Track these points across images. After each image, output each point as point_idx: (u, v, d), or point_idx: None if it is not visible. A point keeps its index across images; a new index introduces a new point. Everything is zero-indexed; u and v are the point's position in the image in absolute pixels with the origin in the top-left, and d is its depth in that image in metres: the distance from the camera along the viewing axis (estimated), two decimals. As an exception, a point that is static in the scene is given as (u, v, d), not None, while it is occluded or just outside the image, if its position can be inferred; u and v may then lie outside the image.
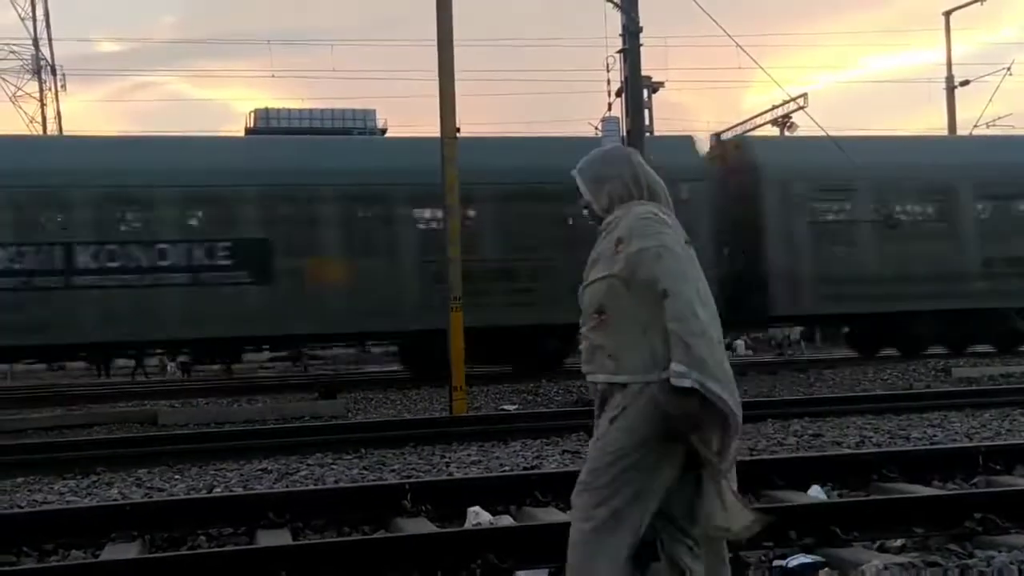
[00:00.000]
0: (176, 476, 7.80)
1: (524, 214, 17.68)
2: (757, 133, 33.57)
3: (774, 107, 33.58)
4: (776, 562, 4.74)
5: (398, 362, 21.64)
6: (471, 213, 17.16)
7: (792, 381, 15.80)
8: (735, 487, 3.26)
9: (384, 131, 28.74)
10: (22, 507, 6.68)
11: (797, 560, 4.68)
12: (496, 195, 17.57)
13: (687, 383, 2.97)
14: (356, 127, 26.24)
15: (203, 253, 16.56)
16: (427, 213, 17.46)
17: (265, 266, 16.66)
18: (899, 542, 5.07)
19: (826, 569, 4.59)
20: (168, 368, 27.65)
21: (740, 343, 27.75)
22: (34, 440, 10.44)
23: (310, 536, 5.57)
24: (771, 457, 7.41)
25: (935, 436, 8.65)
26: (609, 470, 3.10)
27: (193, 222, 16.97)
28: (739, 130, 34.75)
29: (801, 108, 30.92)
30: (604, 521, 3.10)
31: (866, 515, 5.20)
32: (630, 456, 3.07)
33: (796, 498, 5.95)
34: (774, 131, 33.07)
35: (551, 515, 5.64)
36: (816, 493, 6.13)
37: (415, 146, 17.50)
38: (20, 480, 7.87)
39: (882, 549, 4.95)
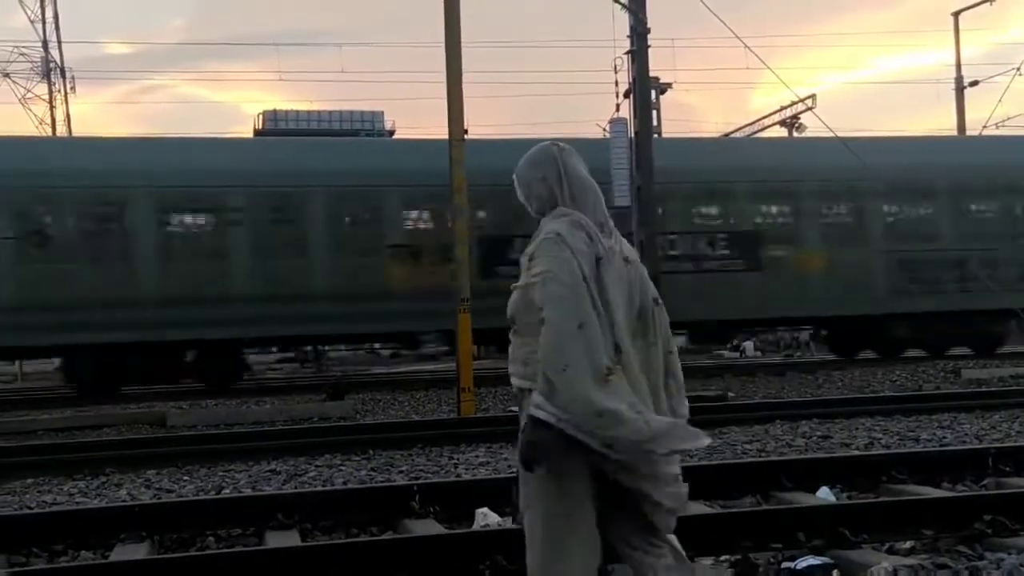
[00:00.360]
0: (185, 477, 7.82)
1: None
2: (766, 134, 33.57)
3: (782, 108, 33.59)
4: (785, 564, 4.73)
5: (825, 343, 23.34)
6: None
7: (800, 382, 15.77)
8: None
9: (392, 132, 28.78)
10: (32, 508, 6.70)
11: (806, 562, 4.67)
12: None
13: (541, 415, 2.92)
14: (364, 129, 26.27)
15: (705, 244, 19.10)
16: (894, 208, 20.24)
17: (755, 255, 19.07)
18: (908, 544, 5.05)
19: (835, 571, 4.58)
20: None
21: (749, 344, 27.65)
22: (44, 441, 10.48)
23: (319, 537, 5.58)
24: (779, 458, 7.39)
25: (944, 438, 8.62)
26: (527, 478, 3.09)
27: (697, 219, 19.29)
28: (747, 131, 34.73)
29: (809, 109, 30.91)
30: (543, 528, 3.09)
31: (875, 517, 5.18)
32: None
33: (805, 500, 5.94)
34: (782, 132, 33.06)
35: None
36: (825, 495, 6.12)
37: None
38: (30, 481, 7.90)
39: (891, 551, 4.93)
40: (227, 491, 7.13)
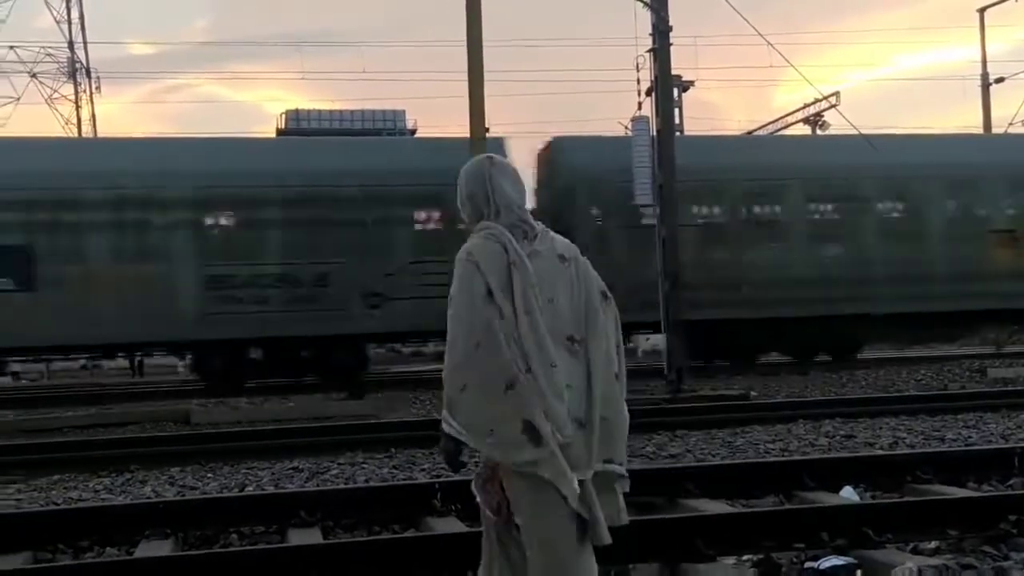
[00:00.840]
0: (208, 475, 7.87)
1: None
2: (789, 132, 33.36)
3: (806, 105, 33.35)
4: (808, 564, 4.71)
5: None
6: None
7: (824, 381, 15.67)
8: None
9: (414, 131, 28.79)
10: (58, 504, 6.77)
11: (829, 562, 4.64)
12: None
13: (446, 428, 3.10)
14: (386, 128, 26.31)
15: None
16: None
17: None
18: (933, 544, 5.02)
19: (859, 571, 4.55)
20: None
21: None
22: (70, 438, 10.55)
23: (340, 535, 5.60)
24: (802, 458, 7.36)
25: (970, 437, 8.55)
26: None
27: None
28: (770, 129, 34.54)
29: (833, 107, 30.68)
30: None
31: (900, 517, 5.15)
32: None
33: (828, 499, 5.90)
34: (806, 129, 32.85)
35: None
36: (848, 494, 6.08)
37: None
38: (56, 477, 7.97)
39: (916, 551, 4.90)
40: (250, 489, 7.17)
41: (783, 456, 7.80)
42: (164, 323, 16.79)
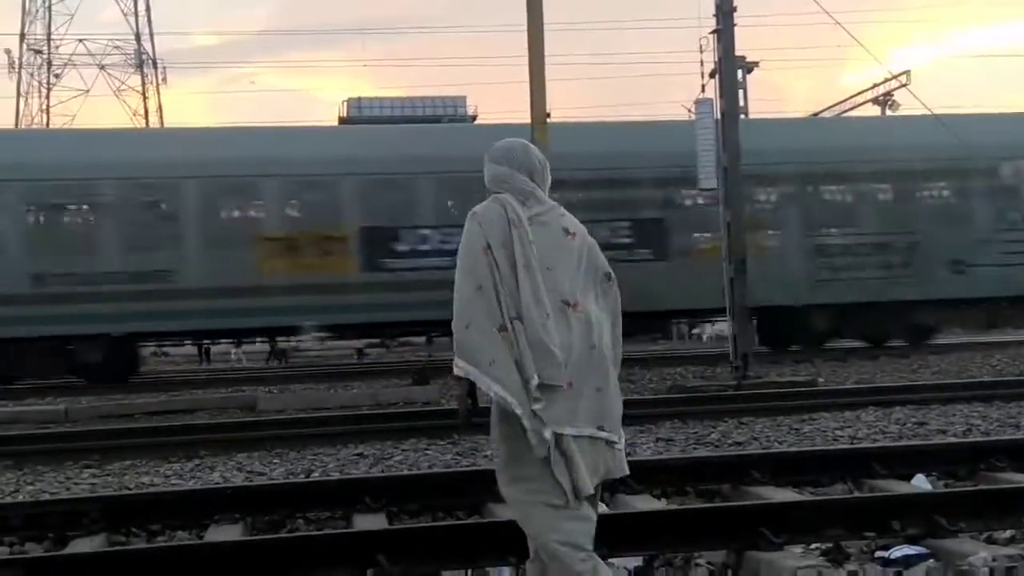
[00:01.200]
0: (275, 460, 7.98)
1: None
2: (857, 112, 32.70)
3: (875, 85, 32.68)
4: (878, 553, 4.62)
5: None
6: None
7: (894, 367, 15.38)
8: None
9: (474, 118, 28.80)
10: (131, 489, 6.92)
11: (901, 551, 4.55)
12: None
13: (456, 370, 3.43)
14: (447, 115, 26.38)
15: None
16: None
17: None
18: (1008, 533, 4.89)
19: (931, 560, 4.45)
20: None
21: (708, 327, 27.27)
22: (142, 425, 10.79)
23: (406, 520, 5.63)
24: (872, 446, 7.23)
25: (1047, 424, 8.32)
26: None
27: None
28: (837, 110, 33.90)
29: (903, 86, 30.03)
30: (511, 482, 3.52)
31: (973, 505, 5.02)
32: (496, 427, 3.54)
33: (899, 488, 5.79)
34: (875, 110, 32.18)
35: (646, 503, 5.60)
36: (920, 483, 5.95)
37: None
38: (128, 463, 8.15)
39: (990, 541, 4.77)
40: (316, 474, 7.26)
41: (852, 443, 7.66)
42: (778, 288, 18.18)
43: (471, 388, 3.49)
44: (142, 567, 4.46)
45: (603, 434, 3.43)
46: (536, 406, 3.31)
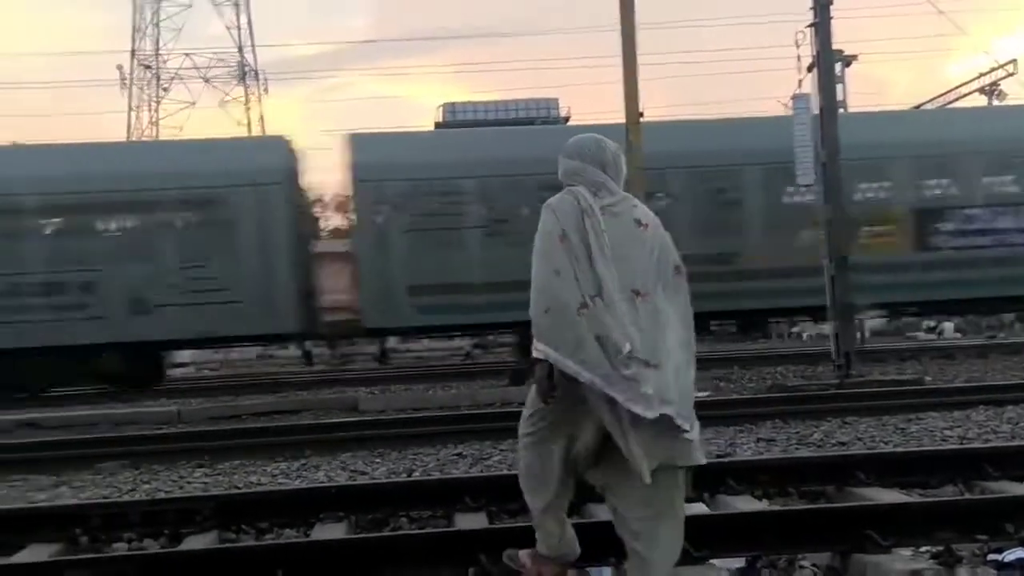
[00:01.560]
0: (377, 460, 8.12)
1: None
2: (962, 104, 31.65)
3: (980, 75, 31.58)
4: (991, 556, 4.48)
5: None
6: None
7: (1005, 364, 14.84)
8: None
9: (567, 119, 28.79)
10: (239, 488, 7.14)
11: (1014, 554, 4.41)
12: None
13: (536, 353, 3.59)
14: (539, 116, 26.41)
15: None
16: None
17: None
18: None
19: (1047, 565, 4.31)
20: None
21: (949, 325, 26.23)
22: (249, 425, 11.10)
23: (505, 520, 5.68)
24: (984, 446, 7.00)
25: None
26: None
27: None
28: (940, 101, 32.85)
29: (1011, 75, 28.95)
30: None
31: (1093, 508, 4.83)
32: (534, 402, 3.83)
33: (1012, 489, 5.60)
34: (981, 101, 31.11)
35: (747, 503, 5.54)
36: (1035, 484, 5.74)
37: None
38: (237, 463, 8.40)
39: (1111, 544, 4.59)
40: (416, 474, 7.37)
41: (962, 444, 7.43)
42: None
43: (550, 371, 3.58)
44: (252, 564, 4.61)
45: (676, 418, 3.51)
46: (628, 371, 3.42)
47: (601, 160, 3.76)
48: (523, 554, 4.17)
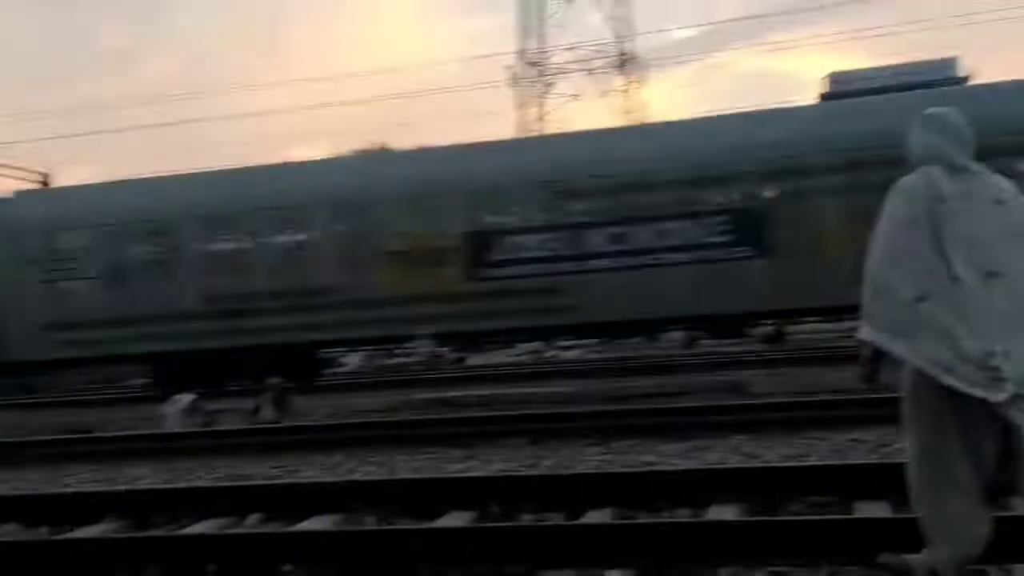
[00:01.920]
0: (767, 444, 7.98)
1: None
2: None
3: None
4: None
5: None
6: None
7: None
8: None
9: (966, 79, 26.46)
10: (631, 467, 7.33)
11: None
12: None
13: (860, 335, 3.58)
14: (934, 79, 24.48)
15: None
16: None
17: None
18: None
19: None
20: None
21: None
22: (635, 406, 11.35)
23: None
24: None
25: None
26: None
27: None
28: None
29: None
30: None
31: None
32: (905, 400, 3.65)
33: None
34: None
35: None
36: None
37: None
38: (627, 443, 8.63)
39: None
40: (812, 459, 7.16)
41: None
42: None
43: (875, 353, 3.56)
44: (651, 540, 4.70)
45: None
46: (994, 361, 3.24)
47: (962, 136, 3.59)
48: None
